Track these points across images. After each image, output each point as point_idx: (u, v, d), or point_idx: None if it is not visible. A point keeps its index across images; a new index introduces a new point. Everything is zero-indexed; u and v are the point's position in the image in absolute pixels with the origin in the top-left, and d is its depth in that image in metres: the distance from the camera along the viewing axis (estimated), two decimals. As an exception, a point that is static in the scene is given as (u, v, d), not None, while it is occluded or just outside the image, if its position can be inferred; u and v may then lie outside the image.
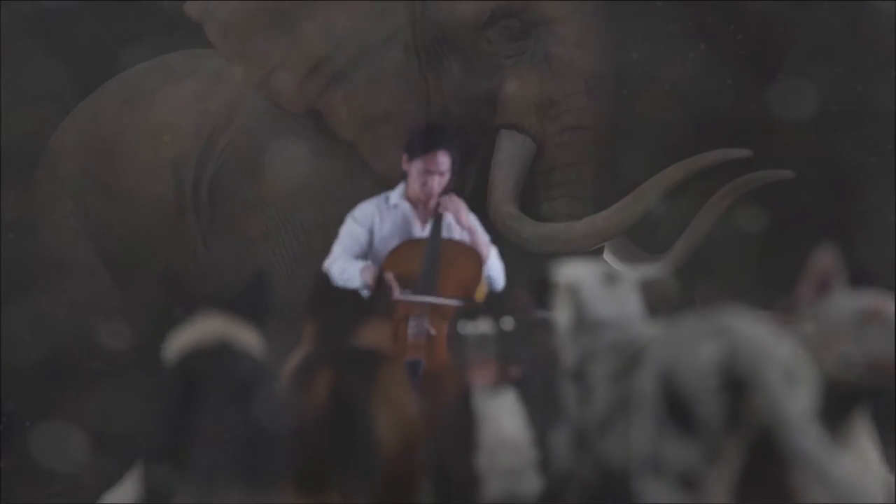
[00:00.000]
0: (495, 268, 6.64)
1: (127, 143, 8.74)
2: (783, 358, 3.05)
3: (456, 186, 6.95)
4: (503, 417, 4.04)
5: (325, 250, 7.03)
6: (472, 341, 4.12)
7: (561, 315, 3.68)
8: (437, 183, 6.54)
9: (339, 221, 7.18)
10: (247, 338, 3.60)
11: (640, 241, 8.57)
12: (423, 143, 6.56)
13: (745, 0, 9.61)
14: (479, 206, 7.52)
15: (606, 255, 7.98)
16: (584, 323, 3.61)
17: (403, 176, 6.71)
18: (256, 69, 7.94)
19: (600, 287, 3.67)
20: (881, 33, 9.48)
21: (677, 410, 3.04)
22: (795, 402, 2.95)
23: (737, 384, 3.01)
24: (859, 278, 9.48)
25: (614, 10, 9.49)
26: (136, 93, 8.76)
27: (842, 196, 9.53)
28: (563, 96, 7.91)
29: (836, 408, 3.25)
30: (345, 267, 6.29)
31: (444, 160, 6.54)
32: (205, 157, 8.25)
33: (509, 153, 7.75)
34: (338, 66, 7.86)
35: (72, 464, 8.26)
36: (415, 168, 6.56)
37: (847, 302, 3.45)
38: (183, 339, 3.66)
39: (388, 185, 7.13)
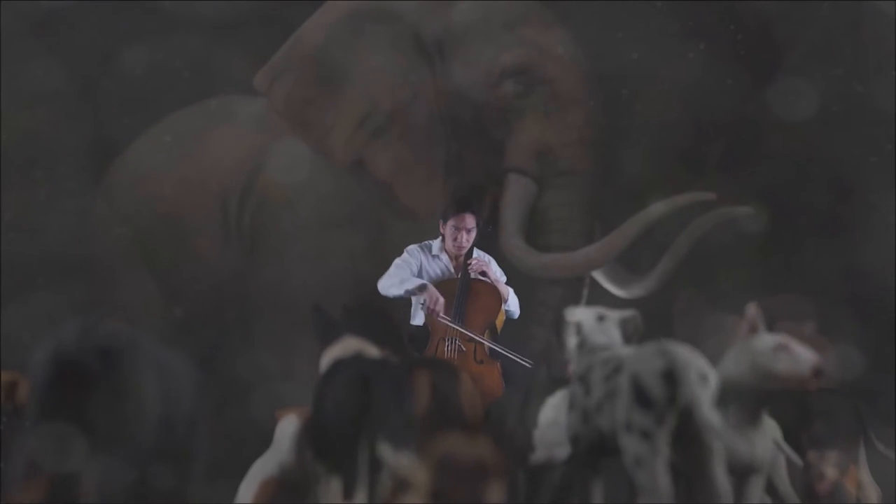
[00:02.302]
0: (513, 303, 7.86)
1: (178, 177, 9.56)
2: (699, 368, 5.19)
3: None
4: (560, 407, 5.87)
5: (350, 271, 8.99)
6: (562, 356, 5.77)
7: (570, 341, 5.69)
8: (466, 238, 7.79)
9: (363, 247, 9.08)
10: (371, 350, 5.72)
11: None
12: (455, 204, 7.83)
13: (745, 0, 9.62)
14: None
15: (598, 276, 9.10)
16: (585, 346, 5.65)
17: (441, 235, 8.01)
18: (314, 133, 9.24)
19: (595, 324, 5.70)
20: (881, 33, 9.48)
21: (640, 396, 5.18)
22: (705, 393, 5.13)
23: (673, 382, 5.16)
24: (859, 278, 9.49)
25: (615, 10, 9.51)
26: (184, 133, 9.69)
27: (842, 196, 9.53)
28: (560, 145, 9.09)
29: (755, 399, 5.35)
30: (404, 278, 7.69)
31: (470, 220, 7.78)
32: (247, 193, 9.41)
33: (516, 194, 9.07)
34: (376, 123, 9.18)
35: (72, 464, 8.25)
36: (448, 227, 7.80)
37: (768, 338, 5.37)
38: (333, 352, 5.69)
39: (415, 217, 9.07)
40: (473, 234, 7.81)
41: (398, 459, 5.09)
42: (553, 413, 6.01)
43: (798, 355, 5.29)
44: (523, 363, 7.61)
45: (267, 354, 9.17)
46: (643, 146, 9.50)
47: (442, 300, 7.61)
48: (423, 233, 8.57)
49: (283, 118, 9.29)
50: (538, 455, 6.09)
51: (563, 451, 5.87)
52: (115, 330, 5.12)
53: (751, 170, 9.56)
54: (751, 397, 5.29)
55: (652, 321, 6.04)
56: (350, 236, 9.26)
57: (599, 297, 9.02)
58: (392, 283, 7.72)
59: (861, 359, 9.20)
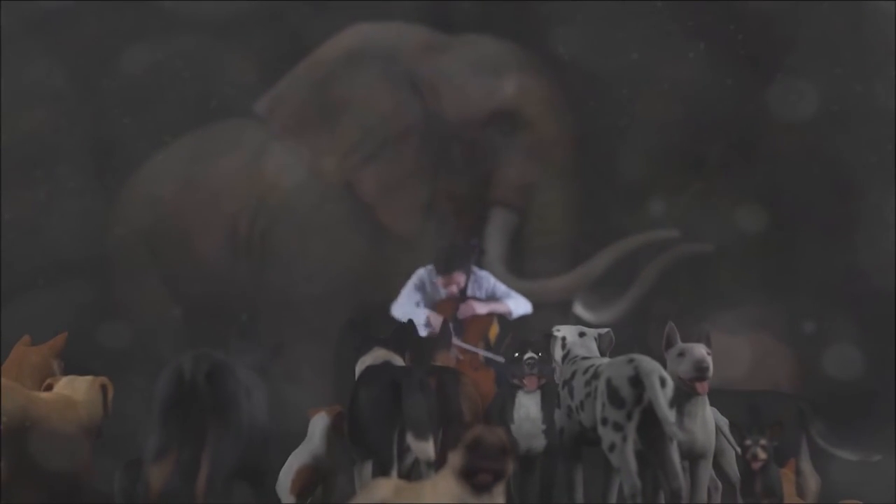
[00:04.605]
0: (521, 309, 8.64)
1: (192, 197, 10.09)
2: (660, 374, 6.30)
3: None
4: (529, 405, 6.93)
5: (353, 288, 9.80)
6: (528, 363, 6.85)
7: (556, 353, 6.81)
8: (457, 288, 8.52)
9: (366, 265, 9.88)
10: (397, 359, 6.86)
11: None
12: (444, 264, 8.46)
13: (745, 0, 9.63)
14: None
15: (575, 303, 9.88)
16: (568, 357, 6.78)
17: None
18: (308, 155, 10.03)
19: (577, 338, 6.82)
20: (881, 33, 9.50)
21: (613, 397, 6.29)
22: (664, 395, 6.23)
23: (639, 386, 6.26)
24: (859, 278, 9.47)
25: (615, 10, 9.53)
26: (198, 155, 10.22)
27: (842, 196, 9.54)
28: (542, 179, 9.98)
29: (682, 399, 6.45)
30: (410, 311, 8.47)
31: (459, 277, 8.49)
32: (256, 213, 10.11)
33: (499, 225, 10.03)
34: (367, 149, 10.01)
35: (72, 464, 8.26)
36: (440, 280, 8.53)
37: (677, 347, 6.54)
38: (366, 360, 6.81)
39: (394, 234, 9.98)
40: (464, 282, 8.55)
41: (420, 447, 6.27)
42: (524, 410, 6.95)
43: (690, 356, 6.50)
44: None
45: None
46: (643, 146, 9.51)
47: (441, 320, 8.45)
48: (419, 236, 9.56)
49: (278, 140, 10.05)
50: (519, 446, 6.97)
51: (539, 442, 6.92)
52: (216, 358, 6.40)
53: (751, 170, 9.58)
54: (678, 397, 6.44)
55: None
56: (352, 244, 9.95)
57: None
58: (403, 311, 8.55)
59: (861, 359, 9.21)
